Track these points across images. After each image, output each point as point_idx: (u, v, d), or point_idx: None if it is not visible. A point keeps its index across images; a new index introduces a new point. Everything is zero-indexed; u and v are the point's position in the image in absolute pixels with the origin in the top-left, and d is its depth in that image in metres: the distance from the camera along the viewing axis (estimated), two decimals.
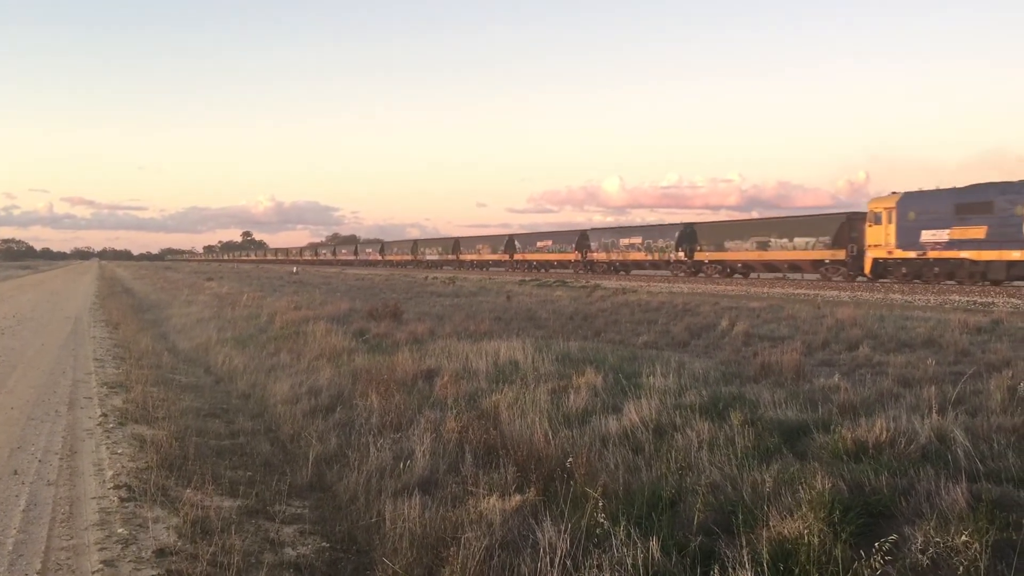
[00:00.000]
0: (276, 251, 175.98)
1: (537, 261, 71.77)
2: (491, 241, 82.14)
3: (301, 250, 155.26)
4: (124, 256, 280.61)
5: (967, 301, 26.74)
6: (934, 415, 7.30)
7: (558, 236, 70.76)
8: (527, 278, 54.08)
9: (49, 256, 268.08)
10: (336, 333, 16.18)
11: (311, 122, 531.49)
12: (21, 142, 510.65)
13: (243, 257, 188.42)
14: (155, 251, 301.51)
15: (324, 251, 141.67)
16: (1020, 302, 25.55)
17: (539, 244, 72.81)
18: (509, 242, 76.85)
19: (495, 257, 78.80)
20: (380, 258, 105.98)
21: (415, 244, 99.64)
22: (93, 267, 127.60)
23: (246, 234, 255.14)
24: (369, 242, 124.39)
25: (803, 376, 10.51)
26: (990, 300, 26.69)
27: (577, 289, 38.37)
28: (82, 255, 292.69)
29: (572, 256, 66.26)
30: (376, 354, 13.54)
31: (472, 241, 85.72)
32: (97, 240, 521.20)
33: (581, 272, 63.02)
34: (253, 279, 55.38)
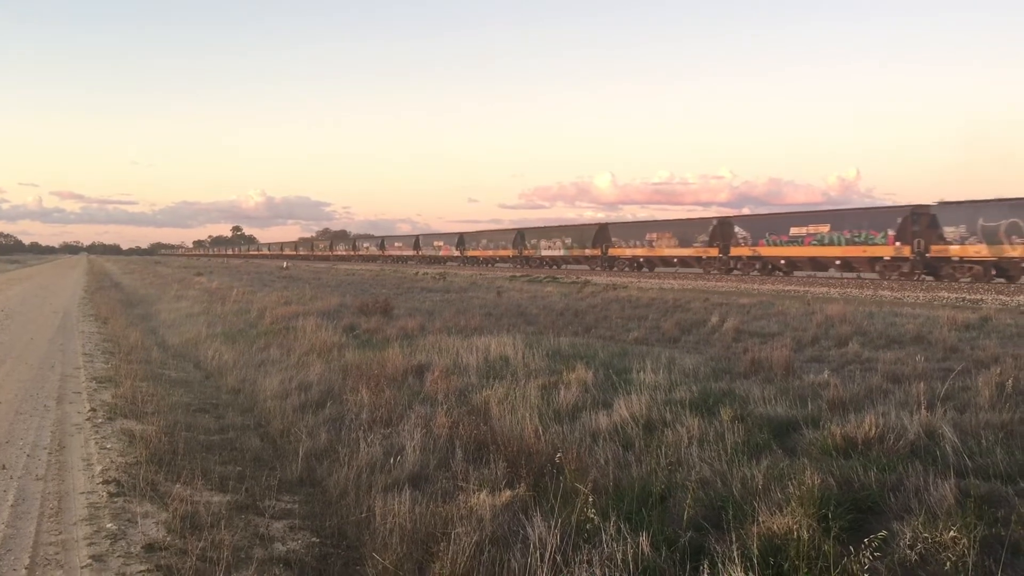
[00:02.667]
0: (269, 245, 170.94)
1: (549, 258, 68.05)
2: (495, 236, 78.54)
3: (296, 245, 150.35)
4: (113, 250, 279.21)
5: (956, 298, 26.88)
6: (923, 411, 7.33)
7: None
8: (518, 274, 53.98)
9: (38, 250, 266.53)
10: (326, 328, 16.14)
11: (303, 117, 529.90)
12: (10, 136, 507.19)
13: (250, 252, 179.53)
14: (144, 246, 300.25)
15: (321, 244, 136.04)
16: (1008, 299, 25.71)
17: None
18: (518, 237, 72.10)
19: (504, 253, 73.64)
20: (381, 253, 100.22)
21: (417, 239, 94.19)
22: (82, 261, 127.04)
23: (236, 229, 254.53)
24: (364, 236, 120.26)
25: (793, 372, 10.54)
26: (979, 297, 26.84)
27: (568, 285, 38.40)
28: (71, 249, 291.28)
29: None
30: (366, 349, 13.52)
31: (477, 236, 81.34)
32: (86, 234, 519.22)
33: (599, 270, 59.29)
34: (243, 274, 55.24)
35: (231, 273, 57.38)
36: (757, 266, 46.64)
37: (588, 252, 63.22)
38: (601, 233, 62.90)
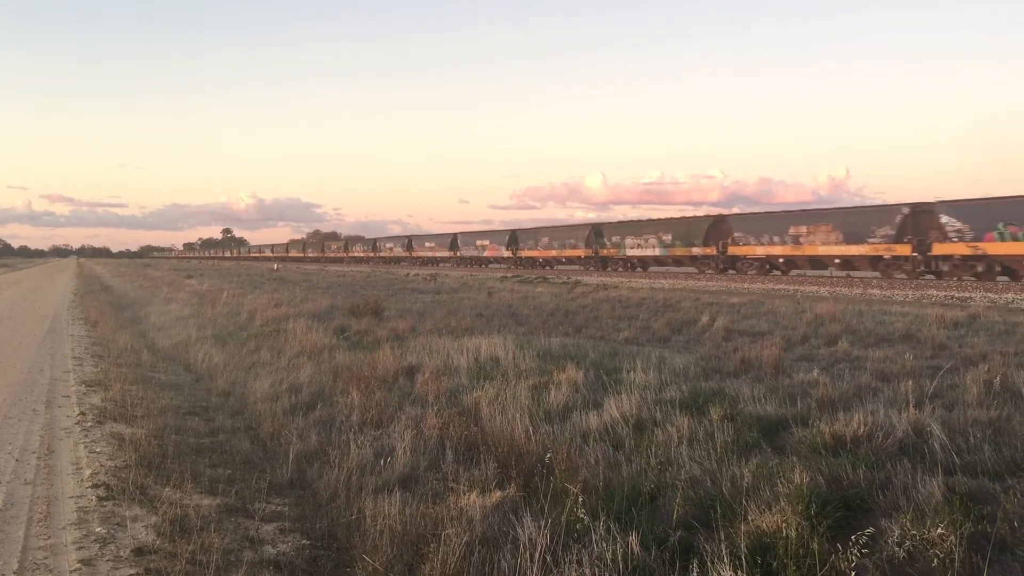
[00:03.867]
0: (272, 247, 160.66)
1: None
2: (561, 233, 70.68)
3: (304, 245, 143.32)
4: (103, 254, 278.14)
5: (945, 296, 26.99)
6: (911, 409, 7.36)
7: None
8: (509, 275, 53.85)
9: (27, 254, 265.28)
10: (317, 330, 16.12)
11: (293, 119, 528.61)
12: None
13: (254, 255, 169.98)
14: (134, 249, 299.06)
15: (334, 246, 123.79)
16: (997, 296, 25.84)
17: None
18: (593, 234, 62.54)
19: (573, 253, 64.29)
20: (407, 254, 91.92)
21: (454, 238, 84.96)
22: (71, 265, 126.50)
23: (226, 231, 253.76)
24: (387, 238, 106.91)
25: (782, 371, 10.57)
26: (967, 295, 26.96)
27: (558, 285, 38.42)
28: (60, 253, 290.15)
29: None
30: (357, 351, 13.51)
31: (536, 233, 71.88)
32: (76, 238, 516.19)
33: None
34: (234, 276, 55.10)
35: (221, 275, 57.21)
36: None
37: (697, 251, 50.35)
38: (717, 227, 50.17)
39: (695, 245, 50.59)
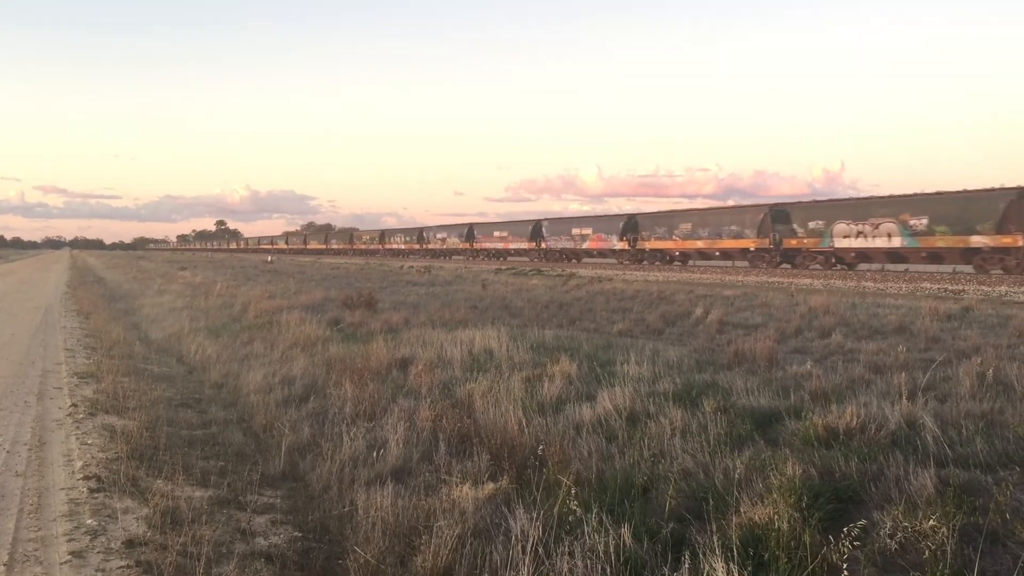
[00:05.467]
0: (287, 237, 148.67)
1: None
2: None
3: (326, 235, 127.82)
4: (96, 245, 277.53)
5: (938, 289, 27.03)
6: (904, 401, 7.37)
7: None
8: (503, 267, 53.65)
9: (19, 246, 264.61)
10: (310, 322, 16.09)
11: (288, 111, 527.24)
12: None
13: (265, 246, 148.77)
14: (128, 240, 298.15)
15: (366, 236, 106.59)
16: (990, 289, 25.87)
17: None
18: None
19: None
20: (466, 246, 74.77)
21: (538, 225, 66.37)
22: (64, 256, 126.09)
23: (220, 223, 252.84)
24: (439, 227, 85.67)
25: (776, 363, 10.58)
26: (960, 288, 27.00)
27: (553, 278, 38.40)
28: (53, 244, 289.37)
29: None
30: (350, 343, 13.48)
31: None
32: (69, 229, 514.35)
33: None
34: (227, 268, 54.98)
35: (215, 267, 57.08)
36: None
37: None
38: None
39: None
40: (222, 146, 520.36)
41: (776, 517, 4.87)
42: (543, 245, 63.65)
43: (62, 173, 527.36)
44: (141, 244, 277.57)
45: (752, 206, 46.17)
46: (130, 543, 5.65)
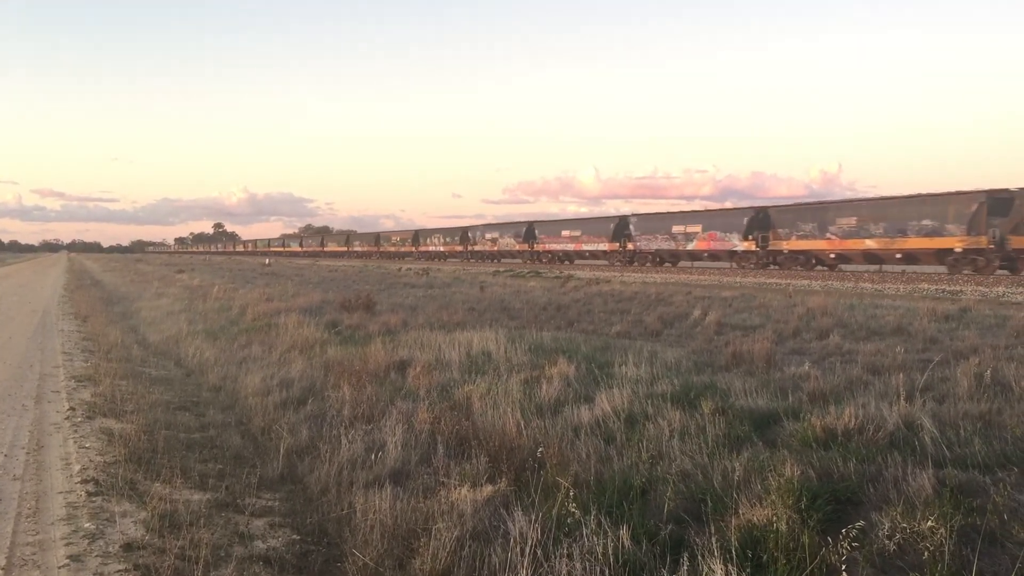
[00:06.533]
0: (301, 239, 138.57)
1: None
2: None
3: (346, 237, 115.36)
4: (94, 248, 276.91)
5: (936, 289, 27.06)
6: (902, 402, 7.37)
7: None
8: (501, 269, 53.62)
9: (17, 249, 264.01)
10: (308, 325, 16.08)
11: (286, 113, 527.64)
12: None
13: (276, 248, 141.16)
14: (125, 243, 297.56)
15: (395, 238, 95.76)
16: (987, 290, 25.90)
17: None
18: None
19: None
20: (521, 247, 65.99)
21: (623, 223, 56.56)
22: (62, 259, 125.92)
23: (218, 226, 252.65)
24: (493, 225, 76.34)
25: (774, 364, 10.59)
26: (958, 288, 27.02)
27: (551, 280, 38.43)
28: (50, 247, 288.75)
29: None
30: (348, 346, 13.47)
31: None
32: (66, 232, 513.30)
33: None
34: (225, 271, 54.94)
35: (213, 270, 57.05)
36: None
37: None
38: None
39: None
40: (220, 149, 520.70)
41: (775, 518, 4.87)
42: (630, 246, 53.59)
43: (59, 176, 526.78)
44: (139, 247, 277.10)
45: (958, 193, 35.42)
46: (128, 547, 5.64)
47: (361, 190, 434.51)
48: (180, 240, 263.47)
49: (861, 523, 4.69)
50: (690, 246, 49.13)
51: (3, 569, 5.29)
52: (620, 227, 55.33)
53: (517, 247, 67.52)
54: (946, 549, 4.48)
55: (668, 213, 54.16)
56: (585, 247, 58.82)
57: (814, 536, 4.69)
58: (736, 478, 5.70)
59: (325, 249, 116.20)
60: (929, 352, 11.79)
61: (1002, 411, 7.39)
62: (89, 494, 6.74)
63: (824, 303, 19.33)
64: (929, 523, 4.64)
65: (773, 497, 5.11)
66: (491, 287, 32.13)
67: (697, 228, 48.96)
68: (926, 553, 4.49)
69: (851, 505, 5.28)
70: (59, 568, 5.31)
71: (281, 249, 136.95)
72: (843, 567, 4.35)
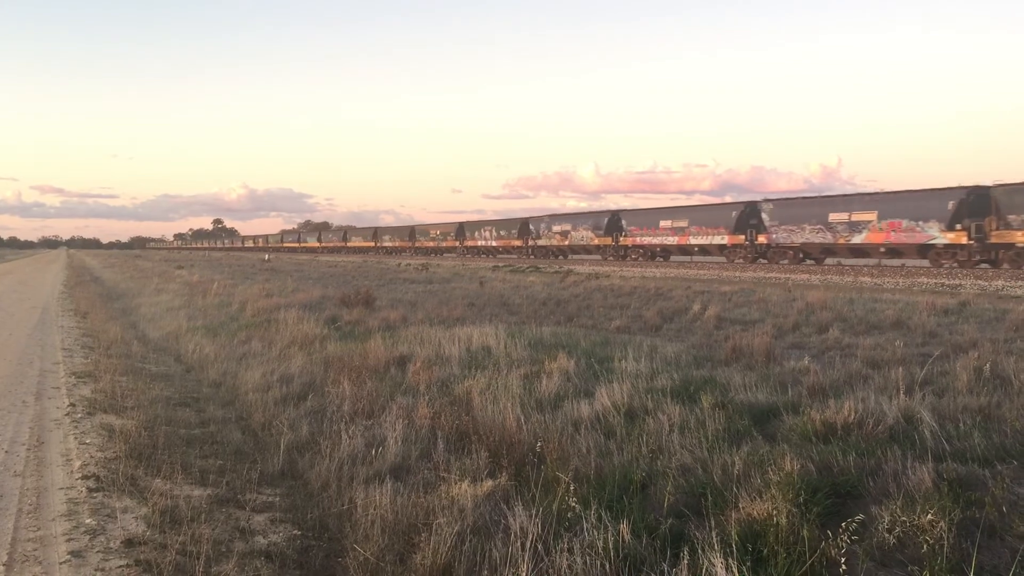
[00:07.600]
0: (319, 234, 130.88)
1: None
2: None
3: (374, 233, 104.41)
4: (93, 245, 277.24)
5: (935, 283, 27.07)
6: (902, 396, 7.39)
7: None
8: (500, 264, 53.67)
9: (16, 245, 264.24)
10: (308, 320, 16.07)
11: (285, 109, 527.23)
12: None
13: (290, 244, 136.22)
14: (125, 239, 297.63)
15: (433, 232, 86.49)
16: (987, 284, 25.91)
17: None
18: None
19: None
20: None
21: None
22: (61, 256, 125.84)
23: (217, 222, 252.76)
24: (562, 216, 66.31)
25: (773, 359, 10.59)
26: (957, 282, 27.04)
27: (550, 275, 38.43)
28: (50, 244, 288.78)
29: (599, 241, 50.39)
30: (348, 341, 13.48)
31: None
32: (66, 228, 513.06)
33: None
34: (224, 267, 54.94)
35: (212, 266, 57.04)
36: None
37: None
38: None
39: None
40: (219, 144, 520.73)
41: (775, 512, 4.88)
42: (761, 238, 44.18)
43: (59, 172, 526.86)
44: (138, 243, 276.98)
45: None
46: (129, 542, 5.64)
47: (360, 185, 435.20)
48: (180, 236, 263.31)
49: (861, 516, 4.70)
50: (857, 239, 38.57)
51: (4, 565, 5.30)
52: (746, 215, 45.27)
53: (596, 241, 57.88)
54: (945, 542, 4.49)
55: (826, 197, 43.10)
56: (693, 240, 48.62)
57: (814, 530, 4.70)
58: (736, 472, 5.71)
59: (348, 244, 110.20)
60: (928, 346, 11.81)
61: (1001, 405, 7.41)
62: (90, 490, 6.75)
63: (823, 297, 19.36)
64: (929, 516, 4.65)
65: (773, 491, 5.12)
66: (490, 282, 32.14)
67: (871, 216, 37.67)
68: (925, 546, 4.50)
69: (851, 499, 5.30)
70: (60, 564, 5.32)
71: (296, 245, 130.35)
72: (843, 560, 4.36)
